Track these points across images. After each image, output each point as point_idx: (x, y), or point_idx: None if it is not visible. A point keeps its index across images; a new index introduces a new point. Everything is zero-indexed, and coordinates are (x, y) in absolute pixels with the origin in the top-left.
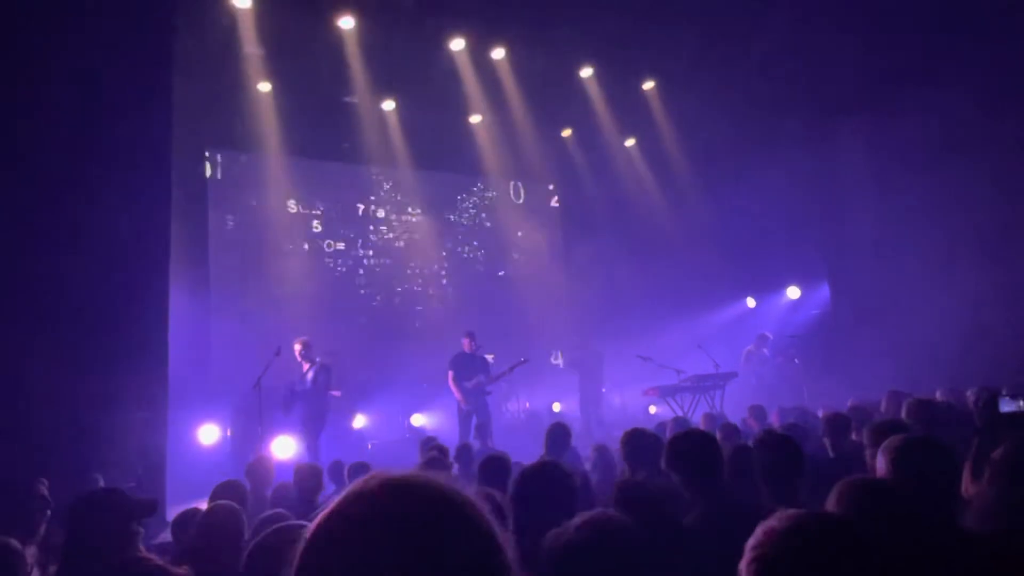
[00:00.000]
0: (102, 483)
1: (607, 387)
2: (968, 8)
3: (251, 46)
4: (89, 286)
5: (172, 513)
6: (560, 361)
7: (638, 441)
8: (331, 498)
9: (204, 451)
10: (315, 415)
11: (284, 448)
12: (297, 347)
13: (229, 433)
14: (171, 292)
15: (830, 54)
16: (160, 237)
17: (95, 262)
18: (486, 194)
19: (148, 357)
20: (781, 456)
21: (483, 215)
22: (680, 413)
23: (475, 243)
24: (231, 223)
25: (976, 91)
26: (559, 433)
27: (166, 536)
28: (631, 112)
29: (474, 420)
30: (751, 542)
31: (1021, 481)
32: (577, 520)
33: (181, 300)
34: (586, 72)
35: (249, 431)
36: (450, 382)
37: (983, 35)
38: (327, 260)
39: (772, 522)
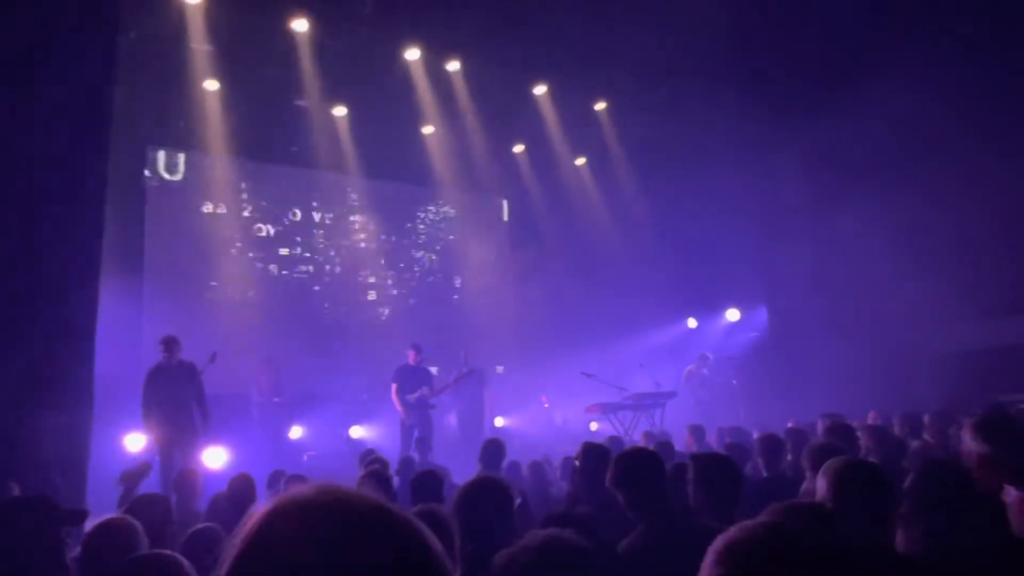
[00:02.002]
0: (17, 491)
1: (550, 403)
2: (905, 17)
3: (199, 42)
4: (11, 281)
5: (91, 525)
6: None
7: (592, 457)
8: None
9: (130, 461)
10: (183, 427)
11: (215, 458)
12: (161, 346)
13: (156, 441)
14: (103, 291)
15: (769, 74)
16: (92, 233)
17: (19, 256)
18: (436, 205)
19: (73, 359)
20: (720, 474)
21: (432, 226)
22: (621, 430)
23: (422, 254)
24: (170, 223)
25: (913, 113)
26: (493, 449)
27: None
28: (583, 132)
29: (416, 433)
30: (711, 555)
31: (929, 508)
32: (528, 540)
33: (113, 300)
34: (539, 90)
35: (178, 440)
36: (393, 395)
37: (925, 45)
38: (269, 265)
39: (734, 533)
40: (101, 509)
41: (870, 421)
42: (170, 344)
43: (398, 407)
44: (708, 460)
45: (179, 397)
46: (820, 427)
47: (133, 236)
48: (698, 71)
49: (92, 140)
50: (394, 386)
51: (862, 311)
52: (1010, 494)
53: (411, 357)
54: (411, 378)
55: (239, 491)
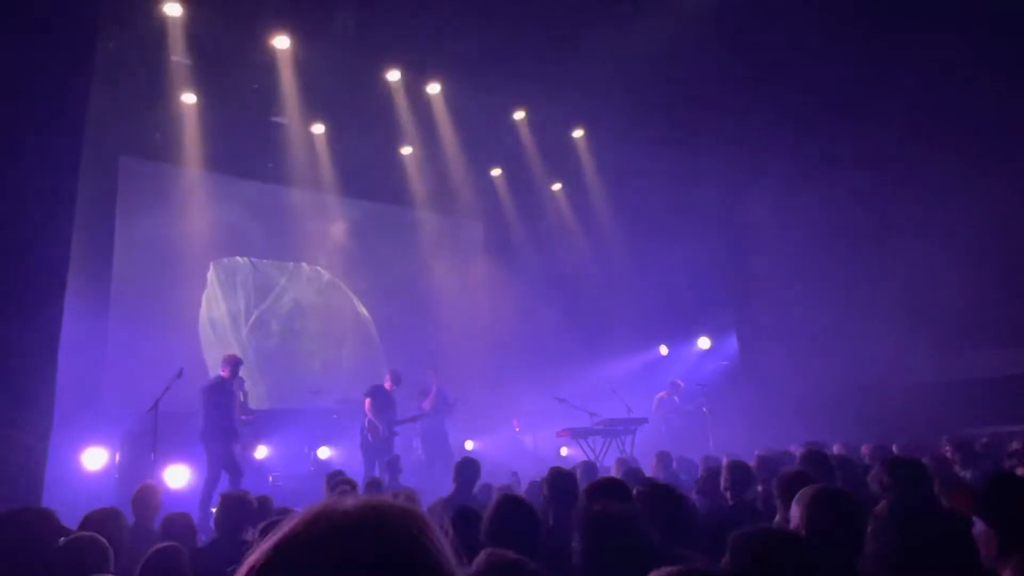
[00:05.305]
0: None
1: (521, 427)
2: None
3: (178, 55)
4: None
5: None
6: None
7: (560, 482)
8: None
9: (88, 477)
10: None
11: (176, 477)
12: (227, 366)
13: (117, 458)
14: (67, 302)
15: (743, 105)
16: (59, 243)
17: None
18: (411, 226)
19: (33, 374)
20: (664, 505)
21: (407, 247)
22: (592, 456)
23: (397, 274)
24: (140, 235)
25: (883, 146)
26: (467, 468)
27: None
28: (560, 157)
29: (383, 456)
30: None
31: (902, 533)
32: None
33: (78, 312)
34: (519, 115)
35: (140, 458)
36: (367, 409)
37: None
38: (238, 281)
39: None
40: None
41: (835, 452)
42: (234, 364)
43: (373, 419)
44: (651, 494)
45: (236, 415)
46: (754, 462)
47: (102, 246)
48: (673, 103)
49: (63, 148)
50: (368, 400)
51: (831, 342)
52: (977, 525)
53: (387, 382)
54: (386, 402)
55: (235, 510)
